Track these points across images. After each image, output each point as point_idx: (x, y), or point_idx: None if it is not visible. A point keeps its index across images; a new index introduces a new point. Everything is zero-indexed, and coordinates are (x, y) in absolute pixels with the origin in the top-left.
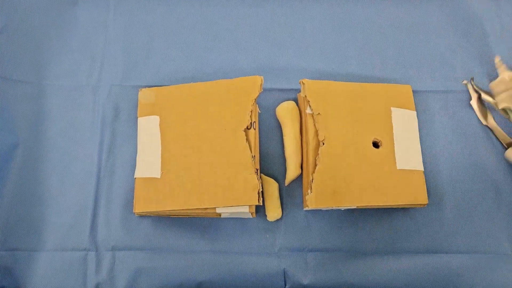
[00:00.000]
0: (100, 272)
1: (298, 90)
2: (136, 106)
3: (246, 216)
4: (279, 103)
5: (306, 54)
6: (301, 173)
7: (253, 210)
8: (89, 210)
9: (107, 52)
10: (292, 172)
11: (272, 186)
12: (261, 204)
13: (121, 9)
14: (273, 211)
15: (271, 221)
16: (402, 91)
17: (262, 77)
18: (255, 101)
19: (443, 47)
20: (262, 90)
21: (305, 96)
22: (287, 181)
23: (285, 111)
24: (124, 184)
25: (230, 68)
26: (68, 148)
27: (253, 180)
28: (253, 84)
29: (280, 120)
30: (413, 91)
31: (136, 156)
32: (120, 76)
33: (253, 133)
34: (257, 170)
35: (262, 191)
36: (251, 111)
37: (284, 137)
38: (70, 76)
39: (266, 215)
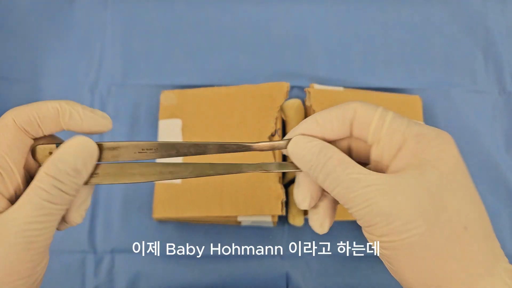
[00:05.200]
0: (98, 275)
1: (301, 88)
2: (136, 106)
3: (267, 225)
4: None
5: (309, 52)
6: None
7: (276, 219)
8: (88, 212)
9: (105, 50)
10: (292, 172)
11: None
12: (284, 214)
13: (119, 7)
14: (300, 217)
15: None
16: (410, 102)
17: (288, 83)
18: (280, 107)
19: (447, 45)
20: (288, 96)
21: (311, 105)
22: (286, 180)
23: (291, 109)
24: (124, 185)
25: (231, 68)
26: None
27: (277, 189)
28: (279, 90)
29: (284, 118)
30: (416, 89)
31: None
32: (119, 76)
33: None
34: (280, 178)
35: (286, 201)
36: (276, 118)
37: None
38: (68, 75)
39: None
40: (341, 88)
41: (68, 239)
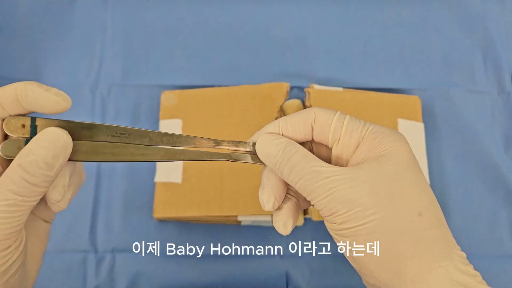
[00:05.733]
0: (99, 274)
1: (301, 88)
2: (137, 106)
3: (267, 225)
4: None
5: (309, 52)
6: None
7: None
8: (89, 211)
9: (105, 51)
10: None
11: None
12: None
13: (120, 7)
14: (299, 218)
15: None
16: (409, 102)
17: (288, 84)
18: (280, 107)
19: (446, 45)
20: (288, 96)
21: (311, 105)
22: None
23: (290, 109)
24: (125, 185)
25: (231, 68)
26: None
27: None
28: (279, 90)
29: None
30: (415, 89)
31: None
32: (120, 76)
33: None
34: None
35: None
36: (276, 118)
37: None
38: (68, 75)
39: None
40: (340, 89)
41: (69, 239)
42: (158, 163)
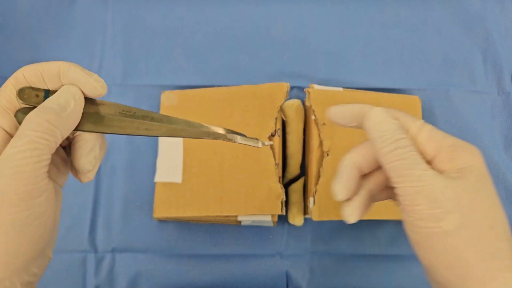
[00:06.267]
0: (99, 274)
1: (301, 88)
2: (137, 106)
3: (267, 224)
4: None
5: (309, 53)
6: (300, 174)
7: (276, 219)
8: (89, 211)
9: (105, 51)
10: (292, 172)
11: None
12: (284, 213)
13: (120, 7)
14: (300, 217)
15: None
16: (409, 102)
17: (288, 84)
18: (280, 107)
19: (446, 46)
20: (288, 96)
21: (310, 105)
22: (285, 180)
23: (290, 109)
24: (125, 185)
25: (231, 68)
26: None
27: (277, 188)
28: (279, 90)
29: (284, 118)
30: (415, 89)
31: (135, 156)
32: (120, 76)
33: (277, 140)
34: (279, 178)
35: (285, 200)
36: (276, 118)
37: (287, 135)
38: None
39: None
40: (340, 89)
41: (69, 239)
42: (158, 163)
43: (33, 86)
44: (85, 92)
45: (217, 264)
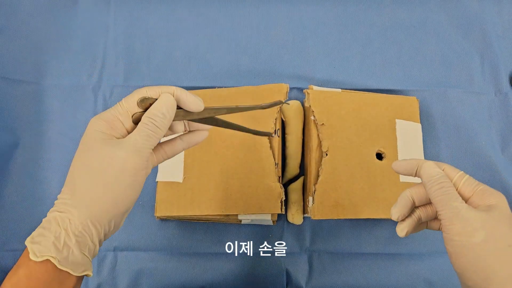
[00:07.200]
0: (101, 273)
1: (301, 89)
2: None
3: (266, 223)
4: None
5: (308, 54)
6: (299, 173)
7: (275, 218)
8: None
9: (108, 52)
10: (291, 171)
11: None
12: (284, 213)
13: (122, 9)
14: (299, 216)
15: (295, 224)
16: (407, 103)
17: (287, 84)
18: (279, 108)
19: (444, 47)
20: (287, 97)
21: (310, 106)
22: (285, 180)
23: (290, 110)
24: None
25: (231, 70)
26: (68, 148)
27: (277, 188)
28: (279, 91)
29: (283, 119)
30: (413, 90)
31: None
32: (122, 77)
33: (277, 141)
34: (279, 177)
35: (285, 200)
36: (276, 118)
37: (286, 135)
38: (71, 76)
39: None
40: (339, 90)
41: None
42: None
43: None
44: (188, 107)
45: (217, 262)
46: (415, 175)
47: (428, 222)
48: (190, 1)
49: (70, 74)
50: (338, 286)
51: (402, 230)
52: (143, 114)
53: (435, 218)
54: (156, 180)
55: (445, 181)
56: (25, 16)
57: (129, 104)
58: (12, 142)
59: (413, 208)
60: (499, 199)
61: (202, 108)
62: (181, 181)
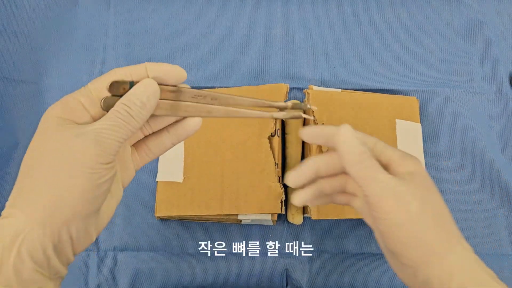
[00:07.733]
0: (101, 273)
1: (301, 89)
2: None
3: (266, 223)
4: None
5: (308, 54)
6: None
7: (275, 218)
8: None
9: (107, 52)
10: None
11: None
12: (284, 212)
13: (122, 9)
14: (299, 216)
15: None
16: (407, 103)
17: (287, 85)
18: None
19: (444, 47)
20: (287, 97)
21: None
22: (285, 179)
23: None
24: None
25: (231, 70)
26: None
27: (277, 188)
28: (279, 91)
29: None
30: (413, 90)
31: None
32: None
33: (277, 141)
34: (279, 177)
35: (285, 200)
36: (276, 118)
37: (286, 135)
38: (71, 76)
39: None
40: (339, 90)
41: None
42: (160, 163)
43: (122, 80)
44: (169, 80)
45: (217, 262)
46: (328, 144)
47: (334, 196)
48: (190, 1)
49: (70, 74)
50: (338, 286)
51: (296, 197)
52: (117, 100)
53: (343, 191)
54: (156, 180)
55: (365, 152)
56: (25, 16)
57: (95, 87)
58: (12, 142)
59: (317, 178)
60: (416, 162)
61: (184, 78)
62: (181, 181)
